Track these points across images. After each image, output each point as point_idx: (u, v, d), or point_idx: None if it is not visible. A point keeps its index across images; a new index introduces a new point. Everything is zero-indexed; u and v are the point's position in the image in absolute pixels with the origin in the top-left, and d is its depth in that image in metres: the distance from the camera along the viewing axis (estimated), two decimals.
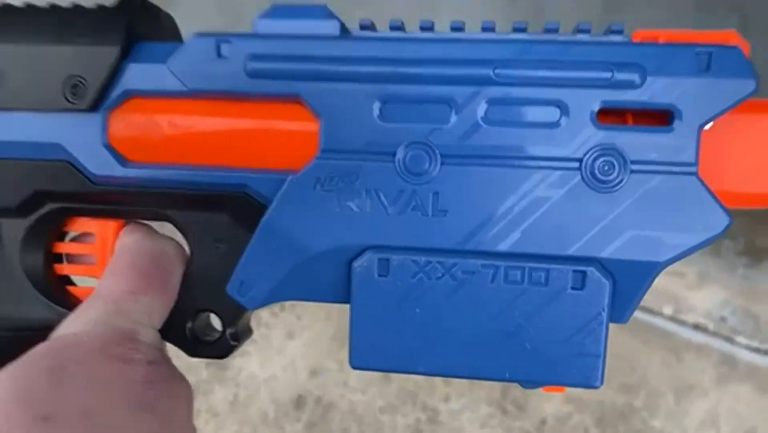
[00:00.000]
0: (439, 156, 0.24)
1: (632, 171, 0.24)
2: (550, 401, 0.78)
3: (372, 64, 0.24)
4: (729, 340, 0.79)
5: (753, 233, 0.82)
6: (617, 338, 0.79)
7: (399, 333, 0.25)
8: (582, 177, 0.24)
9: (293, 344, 0.74)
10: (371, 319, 0.25)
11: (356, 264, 0.25)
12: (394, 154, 0.24)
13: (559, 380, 0.25)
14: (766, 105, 0.24)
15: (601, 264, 0.24)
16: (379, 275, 0.25)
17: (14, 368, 0.23)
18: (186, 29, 0.92)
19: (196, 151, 0.26)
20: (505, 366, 0.25)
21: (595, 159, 0.24)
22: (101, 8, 0.26)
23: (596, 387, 0.25)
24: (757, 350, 0.79)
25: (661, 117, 0.24)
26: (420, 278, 0.25)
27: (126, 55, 0.25)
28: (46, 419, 0.22)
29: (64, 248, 0.29)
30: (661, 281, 0.87)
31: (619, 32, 0.24)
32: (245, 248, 0.26)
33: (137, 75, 0.25)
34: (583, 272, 0.24)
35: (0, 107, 0.26)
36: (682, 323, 0.80)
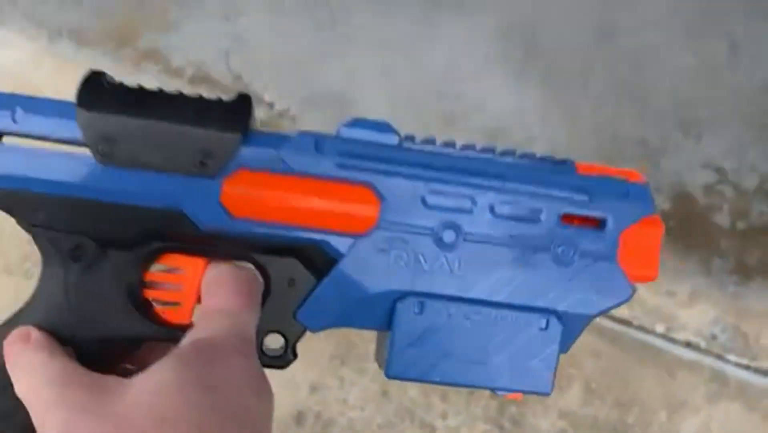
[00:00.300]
0: (462, 234, 0.35)
1: (580, 255, 0.36)
2: (545, 418, 0.79)
3: (419, 168, 0.35)
4: (720, 357, 0.81)
5: (743, 252, 0.83)
6: (611, 355, 0.80)
7: (424, 353, 0.35)
8: (550, 256, 0.36)
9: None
10: (406, 343, 0.35)
11: (400, 304, 0.35)
12: (432, 229, 0.35)
13: (524, 388, 0.36)
14: (655, 220, 0.37)
15: (557, 314, 0.36)
16: (416, 313, 0.35)
17: (173, 355, 0.30)
18: (191, 51, 0.92)
19: (286, 213, 0.35)
20: (493, 378, 0.36)
21: (558, 246, 0.36)
22: (221, 101, 0.34)
23: (548, 394, 0.36)
24: (747, 368, 0.80)
25: (597, 222, 0.36)
26: (444, 315, 0.35)
27: (243, 140, 0.34)
28: (212, 389, 0.29)
29: (157, 277, 0.36)
30: (653, 300, 0.88)
31: (571, 163, 0.37)
32: (309, 286, 0.35)
33: (251, 155, 0.34)
34: (548, 319, 0.36)
35: (137, 166, 0.33)
36: (674, 341, 0.81)
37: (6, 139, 0.34)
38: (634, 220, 0.36)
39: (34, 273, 0.76)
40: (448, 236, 0.35)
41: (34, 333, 0.33)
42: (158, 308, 0.36)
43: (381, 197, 0.35)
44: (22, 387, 0.31)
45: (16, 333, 0.33)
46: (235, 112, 0.34)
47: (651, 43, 0.88)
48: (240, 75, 0.86)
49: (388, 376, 0.35)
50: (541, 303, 0.36)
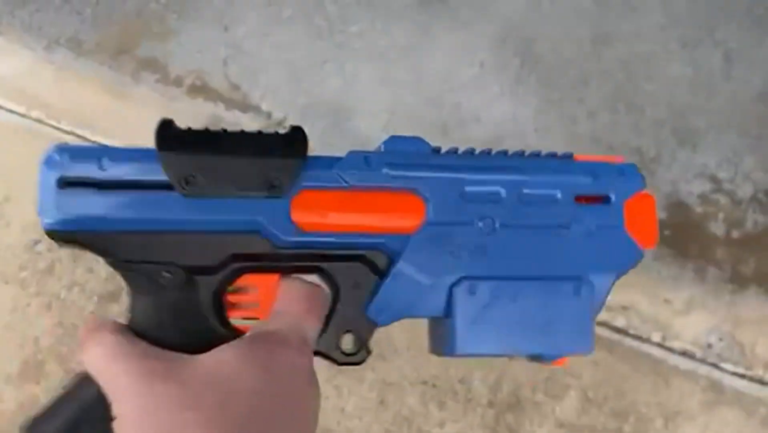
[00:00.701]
0: (499, 222, 0.41)
1: (596, 227, 0.42)
2: (542, 426, 0.79)
3: (453, 170, 0.41)
4: (715, 366, 0.81)
5: (738, 261, 0.84)
6: (608, 364, 0.80)
7: (482, 330, 0.40)
8: (571, 231, 0.42)
9: None
10: (466, 322, 0.40)
11: (456, 289, 0.40)
12: (472, 220, 0.40)
13: (571, 351, 0.41)
14: (647, 195, 0.43)
15: (586, 281, 0.41)
16: (470, 294, 0.40)
17: (238, 343, 0.35)
18: (189, 59, 0.92)
19: (348, 223, 0.39)
20: (541, 345, 0.41)
21: (577, 222, 0.42)
22: (278, 133, 0.39)
23: (590, 352, 0.41)
24: (742, 376, 0.81)
25: (602, 198, 0.42)
26: (495, 293, 0.40)
27: (304, 164, 0.38)
28: (270, 371, 0.34)
29: (237, 297, 0.40)
30: (649, 309, 0.88)
31: (571, 155, 0.43)
32: (373, 285, 0.40)
33: (312, 176, 0.39)
34: (579, 286, 0.41)
35: (216, 196, 0.37)
36: (670, 349, 0.81)
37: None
38: (631, 194, 0.43)
39: (30, 283, 0.76)
40: (486, 224, 0.41)
41: (109, 323, 0.36)
42: (239, 325, 0.39)
43: (425, 199, 0.40)
44: (92, 359, 0.34)
45: (90, 323, 0.36)
46: (294, 141, 0.39)
47: (646, 53, 0.89)
48: (238, 84, 0.86)
49: (457, 352, 0.40)
50: (570, 272, 0.41)
